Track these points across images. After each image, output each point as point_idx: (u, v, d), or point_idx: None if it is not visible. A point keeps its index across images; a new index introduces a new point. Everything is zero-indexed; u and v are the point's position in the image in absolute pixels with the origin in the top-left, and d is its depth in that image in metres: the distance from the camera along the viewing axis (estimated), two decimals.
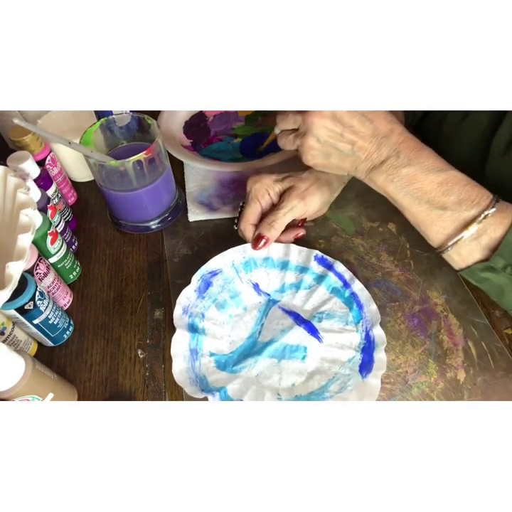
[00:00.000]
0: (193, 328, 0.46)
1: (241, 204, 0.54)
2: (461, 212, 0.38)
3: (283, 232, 0.50)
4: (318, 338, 0.46)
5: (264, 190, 0.50)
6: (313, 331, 0.46)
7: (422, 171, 0.39)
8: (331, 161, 0.44)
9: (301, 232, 0.52)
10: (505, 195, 0.39)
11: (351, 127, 0.41)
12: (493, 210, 0.37)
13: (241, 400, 0.41)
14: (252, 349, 0.46)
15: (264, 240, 0.48)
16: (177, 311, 0.46)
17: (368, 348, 0.44)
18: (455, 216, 0.39)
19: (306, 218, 0.53)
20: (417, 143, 0.41)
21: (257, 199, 0.50)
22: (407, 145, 0.40)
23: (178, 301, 0.47)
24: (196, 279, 0.49)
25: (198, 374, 0.43)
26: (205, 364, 0.44)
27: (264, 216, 0.50)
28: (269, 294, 0.50)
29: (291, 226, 0.52)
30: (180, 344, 0.44)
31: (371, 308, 0.46)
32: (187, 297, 0.48)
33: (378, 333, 0.45)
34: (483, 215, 0.37)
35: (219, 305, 0.49)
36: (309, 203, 0.50)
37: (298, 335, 0.46)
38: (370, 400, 0.40)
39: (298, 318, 0.47)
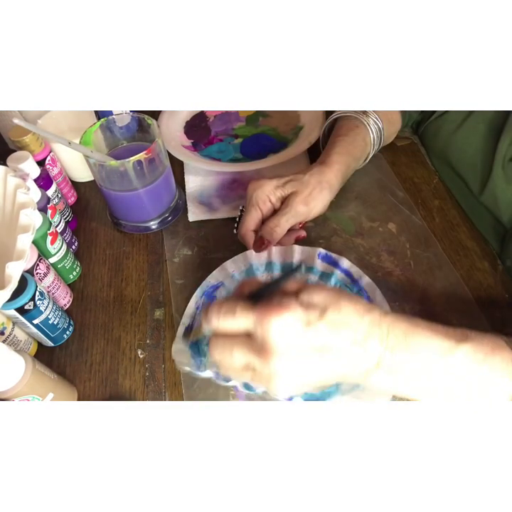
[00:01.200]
0: (197, 350, 0.45)
1: (241, 208, 0.54)
2: (493, 391, 0.32)
3: (284, 235, 0.50)
4: None
5: (265, 196, 0.50)
6: None
7: (429, 360, 0.32)
8: (313, 386, 0.34)
9: (303, 234, 0.52)
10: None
11: (326, 347, 0.31)
12: None
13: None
14: None
15: (265, 244, 0.48)
16: (180, 332, 0.46)
17: None
18: (488, 399, 0.32)
19: (306, 221, 0.53)
20: (405, 324, 0.32)
21: (258, 206, 0.50)
22: (397, 333, 0.32)
23: (182, 321, 0.47)
24: (198, 296, 0.48)
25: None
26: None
27: (265, 221, 0.50)
28: None
29: (291, 229, 0.51)
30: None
31: (378, 300, 0.46)
32: (190, 316, 0.47)
33: None
34: None
35: None
36: (312, 208, 0.49)
37: None
38: (384, 399, 0.40)
39: None
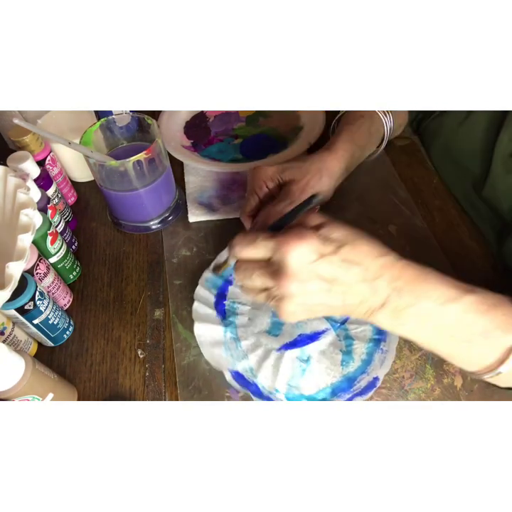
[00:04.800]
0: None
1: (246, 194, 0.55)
2: (492, 342, 0.34)
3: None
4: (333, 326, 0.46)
5: (261, 182, 0.50)
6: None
7: (434, 305, 0.33)
8: (318, 314, 0.36)
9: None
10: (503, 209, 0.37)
11: (336, 280, 0.33)
12: None
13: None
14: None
15: None
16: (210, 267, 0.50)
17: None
18: (486, 348, 0.34)
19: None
20: (416, 270, 0.34)
21: (254, 192, 0.51)
22: (407, 278, 0.33)
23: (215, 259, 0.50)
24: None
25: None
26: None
27: (263, 206, 0.50)
28: None
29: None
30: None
31: None
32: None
33: None
34: None
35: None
36: (304, 191, 0.49)
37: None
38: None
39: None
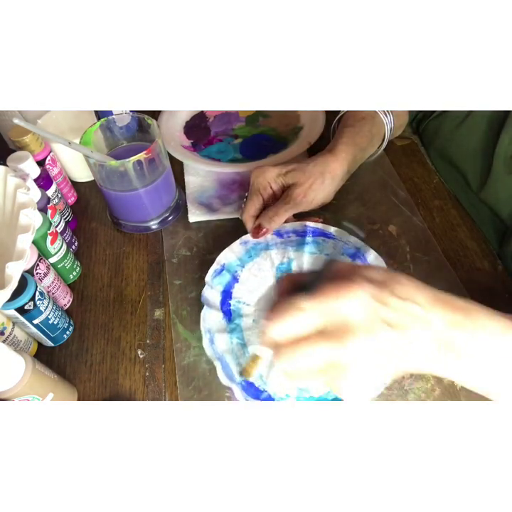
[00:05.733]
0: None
1: (246, 194, 0.55)
2: None
3: (301, 219, 0.52)
4: None
5: (266, 183, 0.51)
6: None
7: (493, 337, 0.30)
8: (388, 370, 0.30)
9: (318, 220, 0.53)
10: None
11: (401, 324, 0.28)
12: None
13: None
14: None
15: (263, 230, 0.49)
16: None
17: None
18: None
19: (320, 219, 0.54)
20: (464, 302, 0.31)
21: (258, 192, 0.51)
22: (457, 309, 0.30)
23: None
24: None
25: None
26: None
27: (266, 207, 0.51)
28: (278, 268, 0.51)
29: (307, 214, 0.53)
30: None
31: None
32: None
33: None
34: None
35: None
36: (312, 199, 0.50)
37: None
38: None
39: None
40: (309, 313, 0.28)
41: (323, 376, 0.29)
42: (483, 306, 0.31)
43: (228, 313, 0.48)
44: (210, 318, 0.47)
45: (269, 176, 0.50)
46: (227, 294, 0.49)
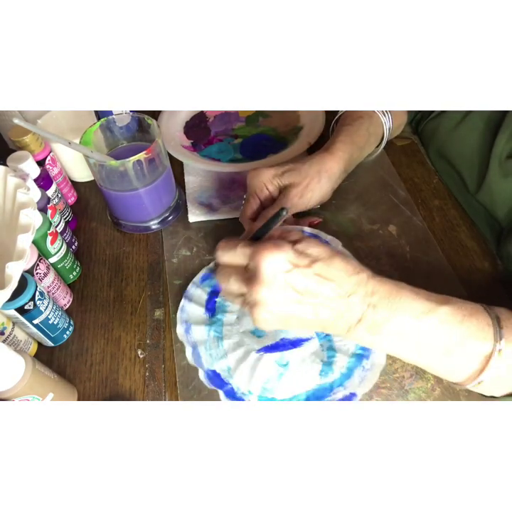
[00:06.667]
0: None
1: (245, 196, 0.55)
2: (469, 351, 0.34)
3: (298, 219, 0.52)
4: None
5: (262, 185, 0.50)
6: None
7: (410, 319, 0.34)
8: (291, 325, 0.36)
9: (317, 220, 0.53)
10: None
11: (307, 292, 0.34)
12: (503, 341, 0.33)
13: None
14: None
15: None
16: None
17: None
18: (464, 358, 0.34)
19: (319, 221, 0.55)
20: (390, 286, 0.35)
21: (255, 194, 0.51)
22: (381, 294, 0.34)
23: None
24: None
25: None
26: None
27: (264, 208, 0.50)
28: None
29: (305, 213, 0.53)
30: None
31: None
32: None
33: None
34: (496, 350, 0.33)
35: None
36: (309, 199, 0.50)
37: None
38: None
39: None
40: (239, 255, 0.35)
41: (240, 301, 0.37)
42: (415, 288, 0.36)
43: (212, 310, 0.48)
44: (190, 311, 0.49)
45: (264, 178, 0.50)
46: (214, 293, 0.50)
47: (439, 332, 0.34)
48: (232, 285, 0.36)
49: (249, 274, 0.35)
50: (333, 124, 0.60)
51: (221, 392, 0.43)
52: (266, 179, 0.50)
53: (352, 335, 0.36)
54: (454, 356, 0.34)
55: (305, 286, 0.33)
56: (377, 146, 0.59)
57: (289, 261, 0.33)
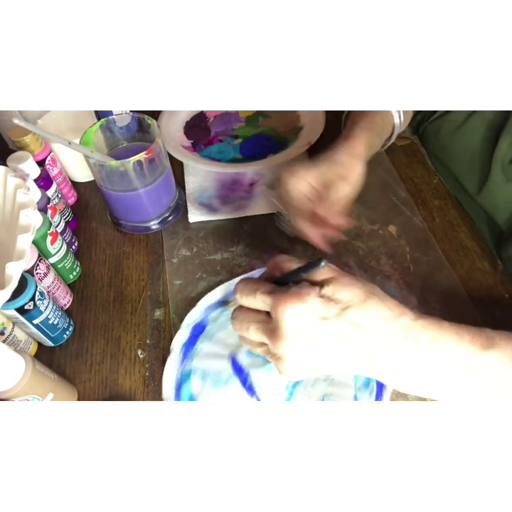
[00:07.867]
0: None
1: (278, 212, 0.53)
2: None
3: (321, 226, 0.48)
4: None
5: (308, 186, 0.47)
6: None
7: (456, 365, 0.32)
8: (324, 372, 0.34)
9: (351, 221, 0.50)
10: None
11: (341, 342, 0.31)
12: None
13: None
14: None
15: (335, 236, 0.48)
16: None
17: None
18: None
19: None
20: (434, 330, 0.32)
21: (306, 198, 0.47)
22: (426, 342, 0.31)
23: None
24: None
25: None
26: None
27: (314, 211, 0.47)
28: None
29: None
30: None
31: None
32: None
33: None
34: None
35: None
36: (355, 184, 0.47)
37: None
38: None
39: None
40: (259, 302, 0.32)
41: (261, 351, 0.34)
42: (458, 328, 0.32)
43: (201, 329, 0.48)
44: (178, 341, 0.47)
45: (303, 187, 0.46)
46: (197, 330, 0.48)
47: (484, 375, 0.32)
48: (252, 336, 0.33)
49: (271, 326, 0.31)
50: (345, 114, 0.58)
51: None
52: (305, 189, 0.47)
53: (389, 379, 0.33)
54: (500, 398, 0.33)
55: (337, 338, 0.30)
56: (388, 139, 0.57)
57: (315, 313, 0.30)
